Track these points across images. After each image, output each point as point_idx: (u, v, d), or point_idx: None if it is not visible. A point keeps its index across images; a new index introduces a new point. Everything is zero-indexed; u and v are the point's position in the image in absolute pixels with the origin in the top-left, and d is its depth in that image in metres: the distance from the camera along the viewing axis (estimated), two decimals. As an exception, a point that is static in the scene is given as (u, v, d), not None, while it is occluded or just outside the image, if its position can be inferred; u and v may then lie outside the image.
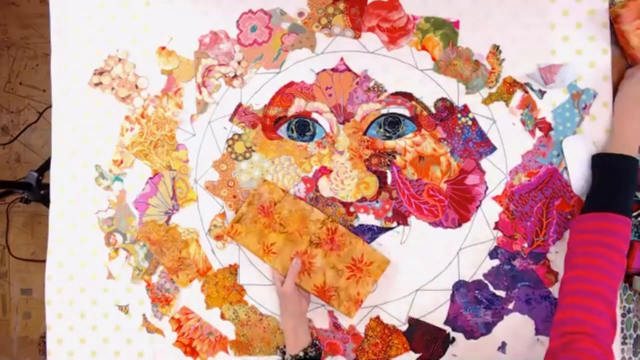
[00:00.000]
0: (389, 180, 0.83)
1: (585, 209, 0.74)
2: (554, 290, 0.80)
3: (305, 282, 0.80)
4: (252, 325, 0.85)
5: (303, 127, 0.85)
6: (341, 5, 0.85)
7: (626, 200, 0.72)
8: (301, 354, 0.76)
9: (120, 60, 0.89)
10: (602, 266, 0.67)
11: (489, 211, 0.82)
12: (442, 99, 0.83)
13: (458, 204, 0.82)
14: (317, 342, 0.79)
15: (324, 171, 0.84)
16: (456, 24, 0.83)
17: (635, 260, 0.80)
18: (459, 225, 0.82)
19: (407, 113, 0.83)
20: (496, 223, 0.82)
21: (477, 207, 0.82)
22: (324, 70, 0.85)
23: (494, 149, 0.82)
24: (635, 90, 0.76)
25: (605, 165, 0.75)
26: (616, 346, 0.78)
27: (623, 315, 0.80)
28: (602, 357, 0.62)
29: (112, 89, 0.89)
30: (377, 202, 0.83)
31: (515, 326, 0.80)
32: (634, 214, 0.81)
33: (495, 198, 0.82)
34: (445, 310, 0.82)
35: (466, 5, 0.83)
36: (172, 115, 0.88)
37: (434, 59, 0.84)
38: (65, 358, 0.89)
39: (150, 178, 0.88)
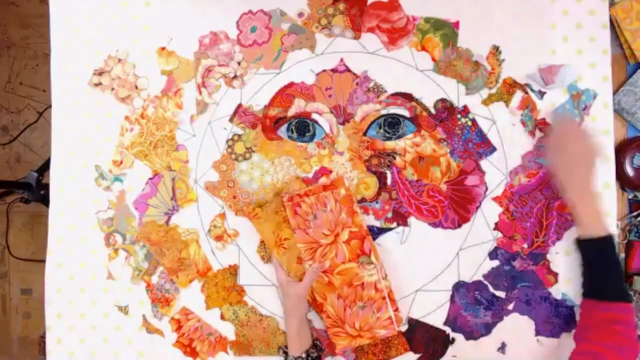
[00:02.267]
0: (389, 180, 0.83)
1: (587, 295, 0.73)
2: (554, 290, 0.80)
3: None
4: (252, 325, 0.85)
5: (303, 128, 0.85)
6: (341, 6, 0.85)
7: (615, 282, 0.71)
8: (303, 355, 0.76)
9: (120, 60, 0.89)
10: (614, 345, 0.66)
11: (489, 212, 0.82)
12: (442, 100, 0.83)
13: (458, 205, 0.82)
14: (317, 343, 0.79)
15: (324, 172, 0.84)
16: (456, 24, 0.83)
17: (635, 260, 0.80)
18: (459, 225, 0.82)
19: (407, 114, 0.83)
20: (496, 224, 0.82)
21: (477, 207, 0.82)
22: (324, 70, 0.85)
23: (493, 149, 0.82)
24: (581, 152, 0.74)
25: (586, 255, 0.74)
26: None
27: (623, 315, 0.80)
28: None
29: (112, 89, 0.89)
30: (377, 202, 0.83)
31: (515, 327, 0.80)
32: (634, 214, 0.81)
33: (495, 199, 0.82)
34: (445, 311, 0.82)
35: (466, 5, 0.83)
36: (172, 116, 0.88)
37: (433, 59, 0.83)
38: (65, 358, 0.89)
39: (150, 178, 0.88)
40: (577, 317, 0.79)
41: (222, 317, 0.86)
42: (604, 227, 0.72)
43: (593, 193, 0.74)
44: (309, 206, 0.80)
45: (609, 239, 0.71)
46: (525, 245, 0.81)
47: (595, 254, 0.72)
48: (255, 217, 0.82)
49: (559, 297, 0.80)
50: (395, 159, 0.83)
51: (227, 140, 0.86)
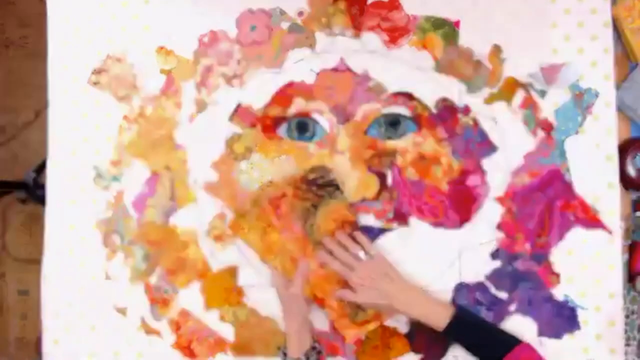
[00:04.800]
0: (390, 180, 0.83)
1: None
2: (556, 291, 0.80)
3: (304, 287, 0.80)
4: (252, 326, 0.85)
5: (303, 127, 0.84)
6: (341, 5, 0.85)
7: (497, 336, 0.74)
8: (303, 357, 0.76)
9: (119, 59, 0.89)
10: None
11: (491, 212, 0.81)
12: (443, 99, 0.83)
13: (459, 205, 0.81)
14: (317, 345, 0.79)
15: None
16: (457, 23, 0.83)
17: (639, 262, 0.80)
18: (460, 226, 0.82)
19: (407, 113, 0.83)
20: (498, 224, 0.81)
21: (479, 207, 0.81)
22: (324, 69, 0.84)
23: (495, 149, 0.82)
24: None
25: (457, 336, 0.74)
26: (619, 348, 0.78)
27: (627, 316, 0.79)
28: None
29: (111, 88, 0.89)
30: (378, 202, 0.82)
31: (517, 328, 0.79)
32: (638, 213, 0.81)
33: (497, 199, 0.81)
34: (446, 312, 0.82)
35: (467, 4, 0.83)
36: (171, 115, 0.87)
37: (434, 58, 0.83)
38: (63, 359, 0.88)
39: (149, 178, 0.87)
40: (579, 319, 0.78)
41: (222, 318, 0.85)
42: (445, 306, 0.73)
43: (416, 290, 0.75)
44: (288, 205, 0.80)
45: (459, 311, 0.72)
46: (528, 246, 0.80)
47: (463, 330, 0.72)
48: (238, 229, 0.82)
49: (561, 298, 0.80)
50: (395, 158, 0.83)
51: (227, 140, 0.86)
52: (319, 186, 0.80)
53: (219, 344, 0.85)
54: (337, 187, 0.80)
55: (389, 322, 0.82)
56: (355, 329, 0.79)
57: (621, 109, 0.81)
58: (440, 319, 0.72)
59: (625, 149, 0.80)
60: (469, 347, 0.74)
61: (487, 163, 0.81)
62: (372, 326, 0.80)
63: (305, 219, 0.80)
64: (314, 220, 0.80)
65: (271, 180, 0.84)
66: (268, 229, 0.82)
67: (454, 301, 0.80)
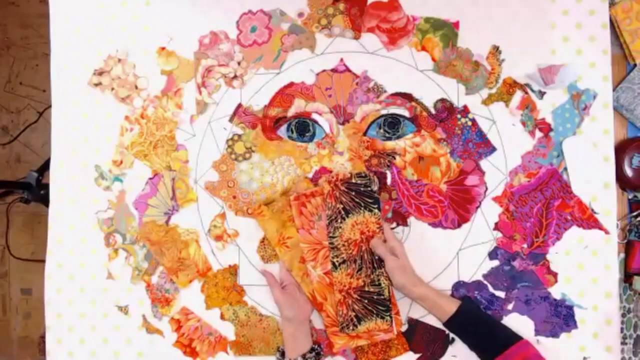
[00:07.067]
0: (389, 180, 0.83)
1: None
2: (554, 290, 0.80)
3: (306, 285, 0.81)
4: (252, 325, 0.85)
5: (303, 128, 0.85)
6: (341, 6, 0.85)
7: (500, 330, 0.76)
8: (300, 359, 0.76)
9: (120, 60, 0.89)
10: None
11: (489, 212, 0.82)
12: (442, 100, 0.83)
13: (458, 205, 0.82)
14: (316, 347, 0.79)
15: (324, 172, 0.84)
16: (456, 24, 0.83)
17: (635, 260, 0.80)
18: (459, 225, 0.82)
19: (406, 114, 0.83)
20: (496, 224, 0.82)
21: (477, 207, 0.82)
22: (324, 70, 0.85)
23: (493, 149, 0.82)
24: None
25: (463, 329, 0.77)
26: (616, 346, 0.79)
27: (623, 315, 0.80)
28: None
29: (112, 89, 0.89)
30: (377, 202, 0.83)
31: (515, 327, 0.80)
32: (634, 214, 0.81)
33: (495, 199, 0.82)
34: (444, 311, 0.82)
35: (466, 5, 0.83)
36: (171, 116, 0.88)
37: (433, 59, 0.83)
38: (65, 358, 0.89)
39: (150, 178, 0.88)
40: (576, 318, 0.79)
41: (222, 317, 0.86)
42: (452, 299, 0.77)
43: (422, 281, 0.78)
44: (314, 207, 0.80)
45: (467, 303, 0.76)
46: (525, 245, 0.81)
47: (469, 321, 0.75)
48: (260, 214, 0.82)
49: (558, 297, 0.80)
50: (395, 159, 0.83)
51: (227, 140, 0.86)
52: (359, 193, 0.79)
53: (220, 343, 0.86)
54: (377, 202, 0.79)
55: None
56: (345, 339, 0.80)
57: (618, 109, 0.82)
58: (451, 302, 0.76)
59: (622, 150, 0.80)
60: (467, 342, 0.76)
61: (485, 163, 0.82)
62: (362, 342, 0.80)
63: (332, 220, 0.79)
64: (340, 224, 0.79)
65: (305, 176, 0.84)
66: (287, 223, 0.82)
67: (465, 295, 0.81)
